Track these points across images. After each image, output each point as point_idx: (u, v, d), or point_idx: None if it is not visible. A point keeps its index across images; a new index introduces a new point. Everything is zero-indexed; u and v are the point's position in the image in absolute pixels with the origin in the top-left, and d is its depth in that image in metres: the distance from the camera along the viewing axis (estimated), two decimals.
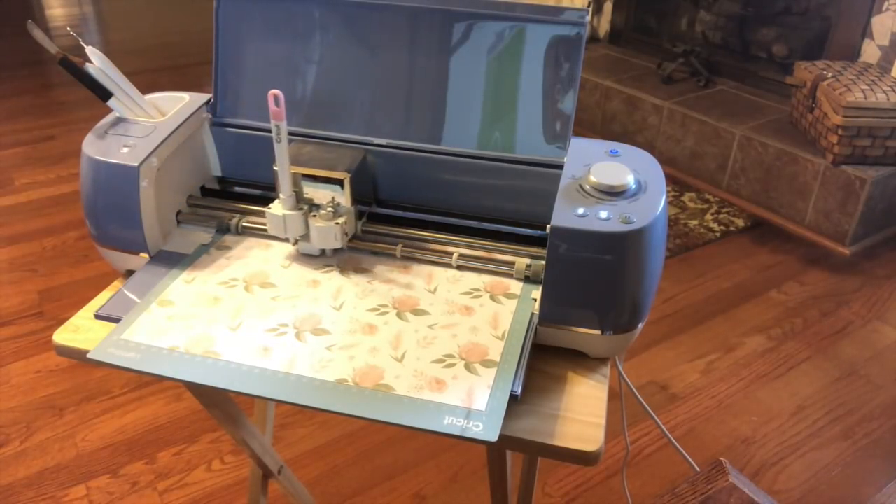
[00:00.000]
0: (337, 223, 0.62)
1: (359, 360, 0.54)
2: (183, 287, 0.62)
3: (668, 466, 1.21)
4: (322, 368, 0.54)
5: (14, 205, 2.00)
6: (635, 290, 0.55)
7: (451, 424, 0.49)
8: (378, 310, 0.59)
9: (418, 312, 0.59)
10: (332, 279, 0.63)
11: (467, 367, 0.54)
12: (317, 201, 0.63)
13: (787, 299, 1.65)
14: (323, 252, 0.65)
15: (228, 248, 0.67)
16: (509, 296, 0.61)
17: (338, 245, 0.63)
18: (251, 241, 0.68)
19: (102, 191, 0.63)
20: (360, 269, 0.64)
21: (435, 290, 0.62)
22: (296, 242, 0.65)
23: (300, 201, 0.63)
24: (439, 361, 0.55)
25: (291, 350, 0.55)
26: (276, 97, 0.57)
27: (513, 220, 0.66)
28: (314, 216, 0.62)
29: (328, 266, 0.64)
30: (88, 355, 0.54)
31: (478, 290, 0.61)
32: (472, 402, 0.51)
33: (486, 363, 0.55)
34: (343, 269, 0.64)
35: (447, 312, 0.59)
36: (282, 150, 0.59)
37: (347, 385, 0.52)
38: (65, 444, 1.23)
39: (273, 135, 0.58)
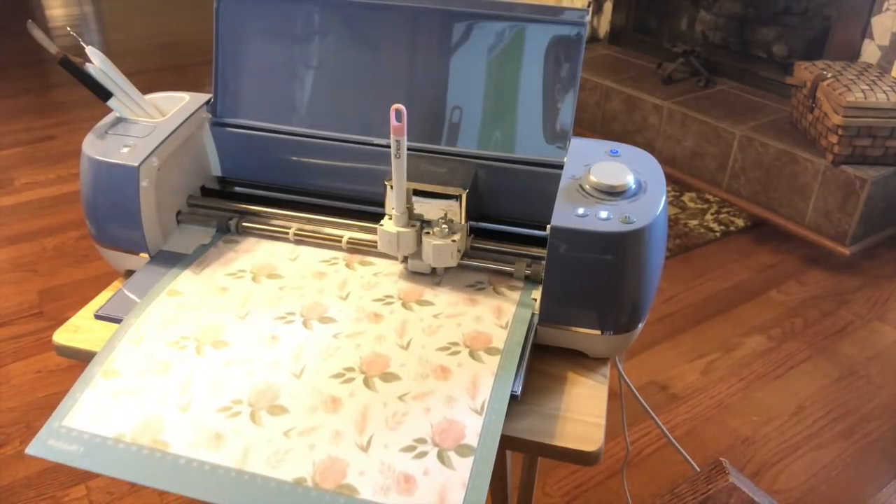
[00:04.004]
0: (453, 241, 0.60)
1: (319, 451, 0.48)
2: (130, 351, 0.55)
3: (668, 466, 1.21)
4: (279, 462, 0.47)
5: (14, 205, 2.00)
6: (635, 290, 0.55)
7: None
8: (343, 375, 0.53)
9: (388, 378, 0.53)
10: (293, 332, 0.57)
11: (440, 455, 0.48)
12: (427, 217, 0.62)
13: (787, 299, 1.65)
14: (433, 270, 0.64)
15: (181, 293, 0.61)
16: (491, 350, 0.55)
17: (452, 263, 0.61)
18: (208, 282, 0.62)
19: (102, 191, 0.63)
20: (325, 319, 0.58)
21: (408, 344, 0.56)
22: (404, 260, 0.64)
23: (411, 218, 0.61)
24: (409, 449, 0.48)
25: (246, 437, 0.49)
26: (398, 112, 0.54)
27: (513, 220, 0.66)
28: (427, 233, 0.61)
29: (290, 314, 0.59)
30: (27, 451, 0.48)
31: (456, 344, 0.56)
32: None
33: (462, 450, 0.48)
34: (306, 320, 0.58)
35: (420, 376, 0.53)
36: (400, 166, 0.57)
37: (306, 486, 0.46)
38: None
39: (392, 150, 0.56)
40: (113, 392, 0.52)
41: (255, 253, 0.66)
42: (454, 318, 0.58)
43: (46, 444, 0.49)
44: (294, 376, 0.53)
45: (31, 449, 0.48)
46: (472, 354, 0.55)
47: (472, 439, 0.48)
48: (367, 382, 0.53)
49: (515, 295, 0.61)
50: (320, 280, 0.63)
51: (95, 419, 0.50)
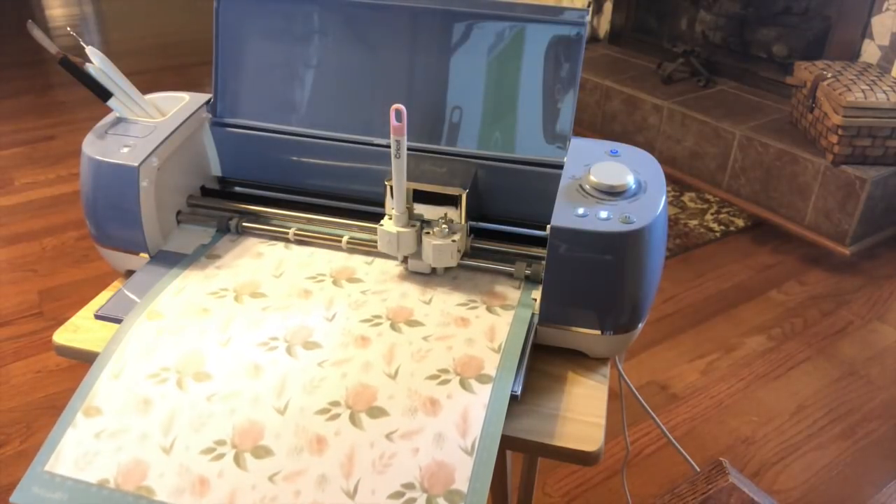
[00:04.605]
0: (453, 241, 0.60)
1: (305, 497, 0.47)
2: (110, 385, 0.53)
3: (668, 466, 1.21)
4: None
5: (14, 205, 2.00)
6: (635, 290, 0.55)
7: None
8: (329, 411, 0.51)
9: (375, 413, 0.51)
10: (277, 361, 0.54)
11: (429, 503, 0.46)
12: (427, 217, 0.61)
13: (787, 299, 1.65)
14: (434, 270, 0.63)
15: (161, 315, 0.59)
16: (482, 378, 0.53)
17: (452, 263, 0.61)
18: (190, 302, 0.60)
19: (102, 191, 0.63)
20: (309, 345, 0.56)
21: (396, 372, 0.54)
22: (404, 260, 0.64)
23: (411, 218, 0.61)
24: (397, 496, 0.46)
25: (231, 482, 0.47)
26: (398, 112, 0.53)
27: (513, 220, 0.66)
28: (427, 233, 0.60)
29: (274, 339, 0.56)
30: (11, 499, 0.48)
31: (446, 371, 0.54)
32: None
33: (452, 496, 0.46)
34: (290, 346, 0.56)
35: (409, 410, 0.51)
36: (400, 166, 0.57)
37: None
38: None
39: (392, 150, 0.56)
40: (95, 433, 0.50)
41: (238, 269, 0.64)
42: (445, 340, 0.56)
43: (30, 492, 0.48)
44: (278, 412, 0.51)
45: (16, 497, 0.47)
46: (463, 383, 0.52)
47: (461, 484, 0.46)
48: (353, 419, 0.50)
49: (509, 315, 0.58)
50: (306, 299, 0.60)
51: (78, 463, 0.49)
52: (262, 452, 0.49)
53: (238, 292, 0.61)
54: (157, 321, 0.58)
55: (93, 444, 0.50)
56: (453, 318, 0.58)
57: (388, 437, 0.49)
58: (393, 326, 0.57)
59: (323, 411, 0.51)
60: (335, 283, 0.62)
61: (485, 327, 0.57)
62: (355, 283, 0.62)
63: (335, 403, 0.51)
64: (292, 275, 0.63)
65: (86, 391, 0.53)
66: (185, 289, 0.61)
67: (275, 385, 0.52)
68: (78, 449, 0.50)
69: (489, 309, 0.59)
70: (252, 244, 0.67)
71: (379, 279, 0.63)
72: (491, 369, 0.54)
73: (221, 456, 0.49)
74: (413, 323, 0.58)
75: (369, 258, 0.65)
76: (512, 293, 0.61)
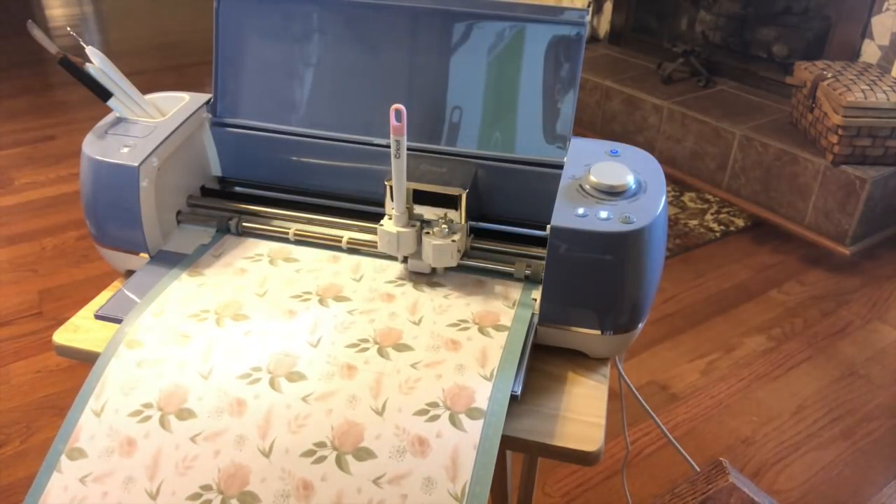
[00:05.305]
0: (453, 241, 0.59)
1: None
2: (93, 424, 0.52)
3: (668, 466, 1.21)
4: None
5: (14, 205, 2.00)
6: (635, 290, 0.55)
7: None
8: (314, 453, 0.50)
9: (362, 455, 0.49)
10: (260, 395, 0.52)
11: None
12: (426, 217, 0.61)
13: (787, 299, 1.65)
14: (433, 270, 0.63)
15: (141, 344, 0.57)
16: (473, 413, 0.51)
17: (452, 263, 0.61)
18: (170, 327, 0.58)
19: (102, 191, 0.63)
20: (293, 376, 0.54)
21: (383, 407, 0.51)
22: (405, 260, 0.63)
23: (411, 218, 0.61)
24: None
25: None
26: (397, 112, 0.53)
27: (513, 220, 0.66)
28: (427, 233, 0.60)
29: (257, 370, 0.54)
30: None
31: (436, 405, 0.51)
32: None
33: None
34: (274, 377, 0.53)
35: (397, 452, 0.49)
36: (400, 166, 0.56)
37: None
38: None
39: (392, 150, 0.55)
40: (79, 477, 0.49)
41: (220, 288, 0.61)
42: (434, 367, 0.53)
43: None
44: (263, 455, 0.49)
45: None
46: (453, 419, 0.50)
47: None
48: (339, 462, 0.48)
49: (502, 337, 0.56)
50: (290, 320, 0.57)
51: None
52: (248, 499, 0.47)
53: (219, 314, 0.58)
54: (137, 350, 0.55)
55: (79, 489, 0.49)
56: (443, 340, 0.56)
57: (376, 482, 0.47)
58: (380, 352, 0.55)
59: (308, 453, 0.49)
60: (321, 301, 0.60)
61: (476, 351, 0.55)
62: (342, 301, 0.60)
63: (321, 444, 0.49)
64: (276, 293, 0.61)
65: (68, 431, 0.51)
66: (166, 310, 0.59)
67: (259, 423, 0.50)
68: (65, 495, 0.48)
69: (481, 330, 0.57)
70: (234, 259, 0.65)
71: (367, 297, 0.61)
72: (482, 401, 0.51)
73: (208, 503, 0.47)
74: (401, 347, 0.55)
75: (357, 275, 0.63)
76: (505, 312, 0.59)
